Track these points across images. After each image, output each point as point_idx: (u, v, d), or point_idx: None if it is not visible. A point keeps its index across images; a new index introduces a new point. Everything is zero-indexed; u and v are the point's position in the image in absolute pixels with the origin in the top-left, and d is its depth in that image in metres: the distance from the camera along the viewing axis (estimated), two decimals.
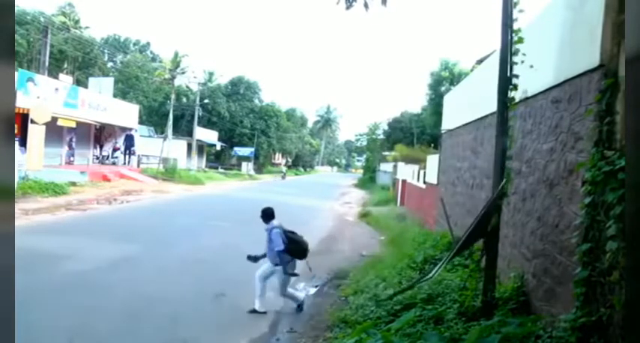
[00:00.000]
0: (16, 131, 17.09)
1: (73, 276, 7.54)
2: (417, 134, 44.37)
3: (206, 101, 52.42)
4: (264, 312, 6.55)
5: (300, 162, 79.98)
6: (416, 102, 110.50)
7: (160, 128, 47.77)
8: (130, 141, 31.82)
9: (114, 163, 30.93)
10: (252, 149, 56.45)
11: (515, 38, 4.68)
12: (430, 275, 5.33)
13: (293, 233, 6.78)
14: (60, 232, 11.29)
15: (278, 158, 74.85)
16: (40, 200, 16.31)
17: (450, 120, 11.63)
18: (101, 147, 31.62)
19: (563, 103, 4.42)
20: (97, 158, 31.00)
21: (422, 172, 16.59)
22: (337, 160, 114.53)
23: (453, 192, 10.09)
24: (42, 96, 21.53)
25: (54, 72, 31.85)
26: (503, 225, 5.38)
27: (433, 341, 3.91)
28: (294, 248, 6.62)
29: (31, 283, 6.49)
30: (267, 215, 6.74)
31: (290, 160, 76.18)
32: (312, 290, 8.18)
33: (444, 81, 35.64)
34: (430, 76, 37.11)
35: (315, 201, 25.16)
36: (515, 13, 4.65)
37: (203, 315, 6.34)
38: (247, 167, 54.49)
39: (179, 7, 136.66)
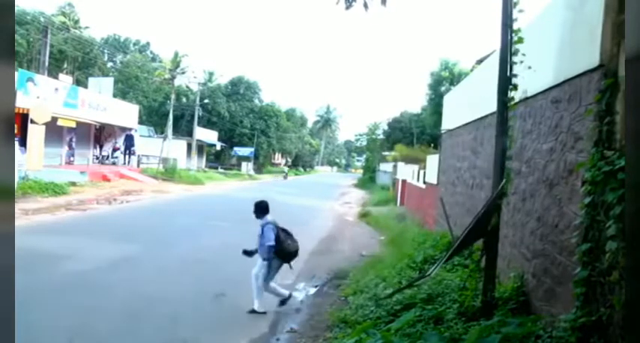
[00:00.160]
0: (16, 131, 17.10)
1: (73, 276, 7.54)
2: (416, 134, 44.37)
3: (206, 101, 52.42)
4: (264, 312, 6.55)
5: (299, 162, 79.99)
6: (416, 102, 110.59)
7: (159, 128, 47.78)
8: (129, 141, 31.83)
9: (114, 163, 30.93)
10: (252, 149, 56.45)
11: (515, 38, 4.68)
12: (428, 273, 5.33)
13: (287, 233, 6.75)
14: (60, 232, 11.29)
15: (278, 158, 74.85)
16: (40, 200, 16.31)
17: (450, 120, 11.63)
18: (101, 147, 31.62)
19: (563, 103, 4.42)
20: (97, 158, 31.00)
21: (422, 172, 16.58)
22: (337, 160, 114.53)
23: (453, 192, 10.09)
24: (42, 96, 21.53)
25: (54, 72, 31.85)
26: (503, 225, 5.38)
27: (433, 341, 3.91)
28: (280, 250, 6.54)
29: (31, 283, 6.49)
30: (261, 209, 6.69)
31: (290, 160, 76.18)
32: (312, 290, 8.18)
33: (444, 81, 35.64)
34: (430, 76, 37.12)
35: (314, 201, 25.16)
36: (515, 13, 4.65)
37: (203, 315, 6.34)
38: (247, 167, 54.49)
39: (179, 7, 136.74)
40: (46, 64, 25.37)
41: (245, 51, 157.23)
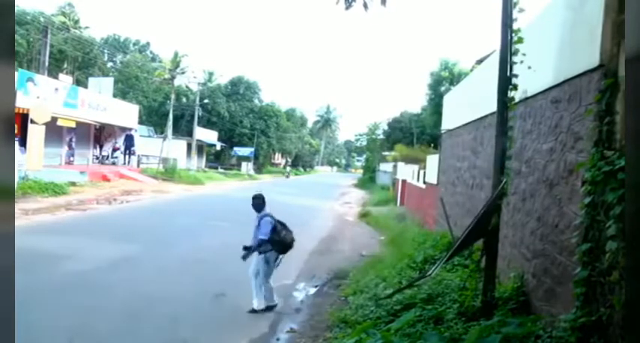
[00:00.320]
0: (16, 131, 17.09)
1: (73, 276, 7.54)
2: (416, 134, 44.35)
3: (206, 101, 52.40)
4: (264, 309, 6.55)
5: (299, 162, 79.98)
6: (416, 102, 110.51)
7: (159, 128, 47.76)
8: (129, 141, 31.82)
9: (114, 163, 30.92)
10: (252, 149, 56.43)
11: (515, 38, 4.68)
12: (428, 273, 5.33)
13: (283, 224, 6.77)
14: (60, 232, 11.29)
15: (278, 158, 74.85)
16: (40, 200, 16.31)
17: (450, 120, 11.63)
18: (101, 147, 31.62)
19: (563, 103, 4.42)
20: (97, 158, 31.00)
21: (422, 172, 16.58)
22: (337, 160, 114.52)
23: (453, 192, 10.09)
24: (42, 96, 21.53)
25: (54, 72, 31.84)
26: (503, 225, 5.38)
27: (433, 341, 3.91)
28: (278, 240, 6.59)
29: (31, 283, 6.48)
30: (259, 203, 6.73)
31: (290, 160, 76.19)
32: (312, 290, 8.18)
33: (444, 81, 35.62)
34: (430, 76, 37.09)
35: (315, 201, 25.16)
36: (515, 13, 4.65)
37: (203, 315, 6.34)
38: (247, 167, 54.47)
39: (179, 7, 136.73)
40: (46, 64, 25.35)
41: (245, 51, 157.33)
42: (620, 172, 3.06)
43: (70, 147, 27.57)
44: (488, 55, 10.16)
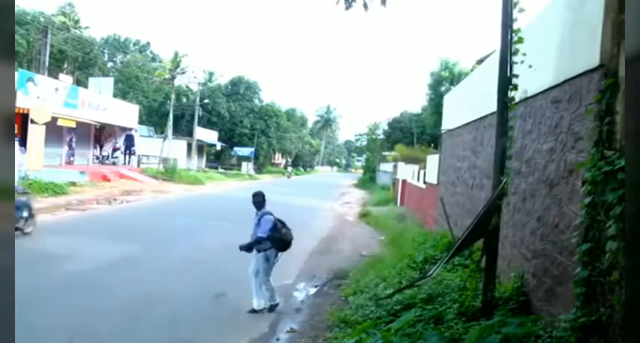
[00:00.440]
0: (16, 131, 17.09)
1: (73, 276, 7.54)
2: (417, 134, 44.34)
3: (206, 101, 52.40)
4: (266, 309, 6.56)
5: (299, 162, 79.98)
6: (416, 102, 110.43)
7: (159, 128, 47.76)
8: (130, 141, 31.83)
9: (114, 163, 30.92)
10: (252, 149, 56.43)
11: (515, 38, 4.68)
12: (429, 274, 5.33)
13: (283, 223, 6.79)
14: (60, 232, 11.28)
15: (278, 158, 74.85)
16: (39, 200, 16.26)
17: (450, 120, 11.63)
18: (101, 147, 31.62)
19: (563, 103, 4.42)
20: (97, 158, 31.00)
21: (422, 172, 16.59)
22: (337, 160, 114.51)
23: (453, 192, 10.09)
24: (42, 96, 21.53)
25: (54, 72, 31.84)
26: (503, 225, 5.38)
27: (433, 341, 3.91)
28: (278, 238, 6.60)
29: (31, 283, 6.48)
30: (260, 200, 6.75)
31: (290, 160, 76.22)
32: (312, 290, 8.18)
33: (444, 81, 35.61)
34: (430, 76, 37.07)
35: (315, 201, 25.16)
36: (515, 13, 4.65)
37: (203, 315, 6.34)
38: (247, 167, 54.48)
39: (179, 7, 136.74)
40: (46, 64, 25.35)
41: (245, 51, 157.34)
42: (620, 172, 3.06)
43: (70, 147, 27.57)
44: (488, 55, 10.16)
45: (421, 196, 16.21)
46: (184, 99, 53.05)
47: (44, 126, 19.29)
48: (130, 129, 31.61)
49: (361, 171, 67.98)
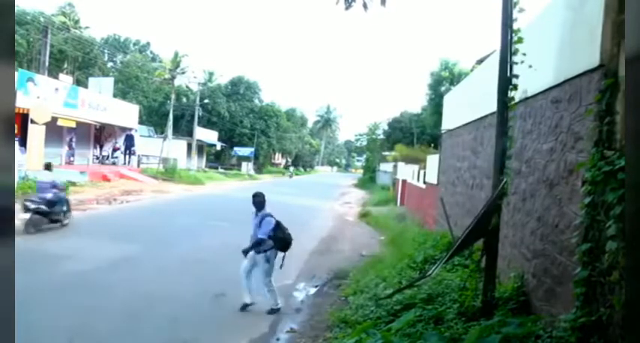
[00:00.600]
0: (16, 131, 17.08)
1: (73, 276, 7.54)
2: (417, 134, 44.34)
3: (206, 101, 52.40)
4: (268, 312, 6.58)
5: (299, 162, 79.98)
6: (416, 102, 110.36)
7: (159, 128, 47.76)
8: (130, 141, 31.82)
9: (114, 163, 30.92)
10: (252, 149, 56.44)
11: (515, 38, 4.68)
12: (429, 273, 5.33)
13: (280, 223, 6.82)
14: (60, 232, 11.28)
15: (278, 158, 74.85)
16: None
17: (450, 120, 11.63)
18: (101, 147, 31.62)
19: (563, 103, 4.42)
20: (97, 158, 31.00)
21: (422, 172, 16.59)
22: (337, 160, 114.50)
23: (453, 192, 10.10)
24: (42, 96, 21.53)
25: (54, 72, 31.83)
26: (503, 225, 5.38)
27: (433, 341, 3.92)
28: (281, 238, 6.64)
29: (31, 283, 6.49)
30: (261, 201, 6.78)
31: (290, 160, 76.23)
32: (312, 290, 8.18)
33: (444, 81, 35.60)
34: (430, 76, 37.06)
35: (315, 201, 25.16)
36: (515, 13, 4.65)
37: (203, 315, 6.34)
38: (247, 167, 54.48)
39: (179, 7, 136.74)
40: (46, 64, 25.36)
41: (245, 51, 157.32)
42: (620, 172, 3.06)
43: (70, 147, 27.57)
44: (488, 55, 10.16)
45: (421, 196, 16.22)
46: (184, 99, 53.05)
47: (44, 126, 19.29)
48: (130, 129, 31.61)
49: (361, 171, 67.97)
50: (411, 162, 22.93)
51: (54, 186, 11.81)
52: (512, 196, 5.58)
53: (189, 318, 6.15)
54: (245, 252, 6.66)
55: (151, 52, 63.62)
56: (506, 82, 4.72)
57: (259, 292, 6.72)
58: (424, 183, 15.60)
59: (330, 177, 70.09)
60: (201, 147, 47.79)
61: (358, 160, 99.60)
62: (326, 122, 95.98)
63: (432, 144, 32.16)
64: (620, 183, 3.04)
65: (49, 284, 6.99)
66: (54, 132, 23.24)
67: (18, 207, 11.71)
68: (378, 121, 66.54)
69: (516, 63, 4.69)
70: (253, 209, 6.82)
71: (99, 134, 31.21)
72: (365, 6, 5.49)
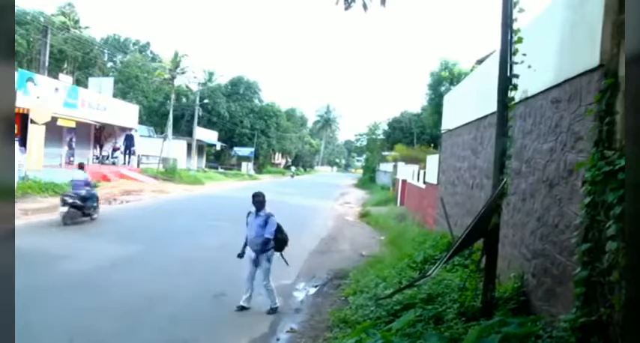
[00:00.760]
0: (16, 131, 17.09)
1: (73, 276, 7.54)
2: (417, 134, 44.36)
3: (206, 101, 52.34)
4: (267, 312, 6.57)
5: (299, 162, 79.96)
6: (416, 102, 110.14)
7: (159, 128, 47.75)
8: (129, 141, 31.81)
9: (114, 163, 30.90)
10: (252, 149, 56.43)
11: (515, 38, 4.68)
12: (429, 273, 5.33)
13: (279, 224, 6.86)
14: (60, 232, 11.28)
15: (278, 158, 74.85)
16: (39, 200, 16.30)
17: (450, 120, 11.63)
18: (101, 147, 31.60)
19: (563, 103, 4.42)
20: (97, 158, 30.98)
21: (422, 172, 16.58)
22: (337, 160, 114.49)
23: (453, 192, 10.10)
24: (42, 96, 21.50)
25: (54, 72, 31.83)
26: (503, 225, 5.38)
27: (433, 341, 3.91)
28: (281, 238, 6.73)
29: (31, 283, 6.48)
30: (261, 201, 6.80)
31: (290, 160, 76.24)
32: (312, 290, 8.18)
33: (444, 81, 35.57)
34: (430, 76, 37.02)
35: (314, 200, 25.15)
36: (515, 13, 4.66)
37: (203, 315, 6.35)
38: (247, 167, 54.46)
39: (179, 7, 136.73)
40: (46, 64, 25.36)
41: (245, 51, 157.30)
42: (620, 172, 3.07)
43: (70, 147, 27.55)
44: (488, 55, 10.17)
45: (421, 196, 16.21)
46: (184, 99, 53.02)
47: (44, 126, 19.28)
48: (130, 129, 31.60)
49: (361, 171, 67.94)
50: (411, 162, 22.94)
51: (87, 183, 13.00)
52: (512, 196, 5.58)
53: (189, 318, 6.15)
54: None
55: (151, 52, 63.62)
56: (506, 81, 4.72)
57: (259, 292, 6.73)
58: (424, 183, 15.60)
59: (329, 177, 70.08)
60: (201, 147, 47.79)
61: (358, 160, 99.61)
62: (326, 122, 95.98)
63: (432, 144, 32.20)
64: (620, 183, 3.04)
65: (49, 284, 6.99)
66: (54, 132, 23.23)
67: (57, 201, 12.48)
68: (378, 121, 66.77)
69: (516, 63, 4.69)
70: (252, 209, 6.83)
71: (99, 134, 31.19)
72: (365, 6, 5.51)
